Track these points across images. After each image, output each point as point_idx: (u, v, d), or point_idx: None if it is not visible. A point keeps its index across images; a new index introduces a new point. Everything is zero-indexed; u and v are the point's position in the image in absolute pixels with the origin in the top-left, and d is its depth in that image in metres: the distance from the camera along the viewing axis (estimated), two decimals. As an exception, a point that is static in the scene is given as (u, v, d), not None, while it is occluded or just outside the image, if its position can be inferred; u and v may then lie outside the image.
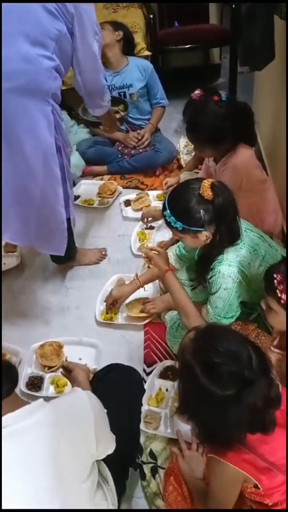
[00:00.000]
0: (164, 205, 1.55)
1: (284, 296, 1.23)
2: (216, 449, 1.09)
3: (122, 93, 2.93)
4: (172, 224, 1.51)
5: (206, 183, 1.47)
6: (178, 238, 1.62)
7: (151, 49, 3.29)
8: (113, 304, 2.02)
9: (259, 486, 1.08)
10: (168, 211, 1.51)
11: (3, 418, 0.97)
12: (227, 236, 1.54)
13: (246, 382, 0.98)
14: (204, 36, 3.62)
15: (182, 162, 2.90)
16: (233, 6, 3.30)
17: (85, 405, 1.06)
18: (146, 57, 3.15)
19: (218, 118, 1.82)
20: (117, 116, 2.64)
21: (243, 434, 1.04)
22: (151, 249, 1.75)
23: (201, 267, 1.68)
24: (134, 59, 2.98)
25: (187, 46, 3.50)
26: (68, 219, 1.93)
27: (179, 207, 1.50)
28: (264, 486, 1.08)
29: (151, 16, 3.39)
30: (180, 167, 2.92)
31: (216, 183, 1.49)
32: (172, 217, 1.50)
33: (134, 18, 3.41)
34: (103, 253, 2.44)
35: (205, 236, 1.52)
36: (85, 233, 2.60)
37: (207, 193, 1.46)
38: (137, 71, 2.92)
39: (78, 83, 1.84)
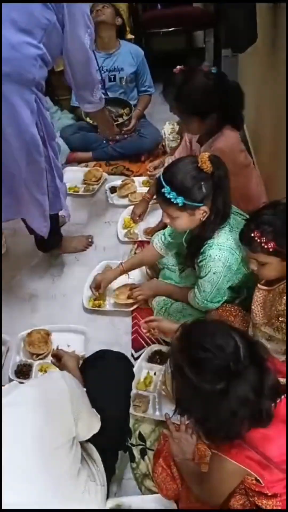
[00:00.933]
0: (160, 182, 1.50)
1: (270, 245, 1.29)
2: (217, 445, 1.08)
3: (112, 76, 2.90)
4: (172, 200, 1.46)
5: (204, 156, 1.45)
6: (170, 219, 1.56)
7: (134, 32, 3.25)
8: (96, 288, 2.02)
9: (261, 481, 1.07)
10: (168, 187, 1.47)
11: None
12: (221, 211, 1.52)
13: (234, 374, 0.96)
14: (188, 19, 3.58)
15: (167, 148, 2.89)
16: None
17: (61, 386, 1.07)
18: (129, 40, 3.10)
19: (207, 88, 1.79)
20: (120, 120, 2.60)
21: (242, 429, 1.01)
22: (150, 320, 1.68)
23: (190, 250, 1.66)
24: (126, 44, 2.95)
25: (170, 29, 3.46)
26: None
27: (179, 182, 1.46)
28: (265, 481, 1.07)
29: (134, -1, 3.33)
30: (165, 153, 2.90)
31: (213, 156, 1.47)
32: (173, 193, 1.46)
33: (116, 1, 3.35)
34: (89, 240, 2.44)
35: (202, 212, 1.50)
36: (71, 220, 2.59)
37: (206, 166, 1.44)
38: (129, 56, 2.89)
39: (67, 74, 1.81)
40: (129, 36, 3.17)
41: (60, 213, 2.16)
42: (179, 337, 1.07)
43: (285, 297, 1.36)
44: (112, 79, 2.91)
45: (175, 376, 1.06)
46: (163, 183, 1.49)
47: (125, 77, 2.91)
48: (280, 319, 1.38)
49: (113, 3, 2.80)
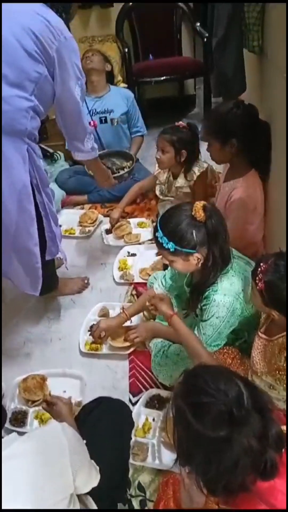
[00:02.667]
0: (155, 226, 1.54)
1: (260, 284, 1.32)
2: (224, 499, 1.03)
3: (103, 118, 3.01)
4: (164, 245, 1.50)
5: (198, 204, 1.48)
6: (168, 262, 1.59)
7: (127, 81, 3.39)
8: (99, 336, 2.01)
9: None
10: (160, 231, 1.51)
11: None
12: (220, 259, 1.53)
13: (237, 421, 0.93)
14: (178, 68, 3.75)
15: (157, 191, 2.92)
16: (205, 39, 3.44)
17: (59, 436, 1.05)
18: (122, 89, 3.24)
19: (232, 114, 1.92)
20: (121, 171, 2.62)
21: (245, 480, 0.96)
22: (154, 297, 1.73)
23: (193, 295, 1.66)
24: (116, 87, 3.11)
25: (162, 78, 3.62)
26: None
27: (171, 228, 1.50)
28: None
29: (126, 49, 3.50)
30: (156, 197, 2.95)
31: (207, 205, 1.50)
32: (164, 237, 1.49)
33: (110, 51, 3.51)
34: (86, 281, 2.43)
35: (196, 258, 1.51)
36: (67, 262, 2.59)
37: (200, 214, 1.47)
38: (118, 98, 3.02)
39: (59, 123, 1.88)
40: (122, 84, 3.31)
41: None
42: (182, 382, 1.05)
43: (285, 353, 1.35)
44: (104, 121, 3.01)
45: (176, 422, 1.03)
46: (158, 227, 1.53)
47: (116, 118, 3.01)
48: (280, 372, 1.37)
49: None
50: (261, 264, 1.32)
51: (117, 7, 3.75)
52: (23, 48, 1.59)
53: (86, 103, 2.75)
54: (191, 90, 4.20)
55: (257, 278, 1.33)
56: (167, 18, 3.86)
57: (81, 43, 3.67)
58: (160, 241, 1.51)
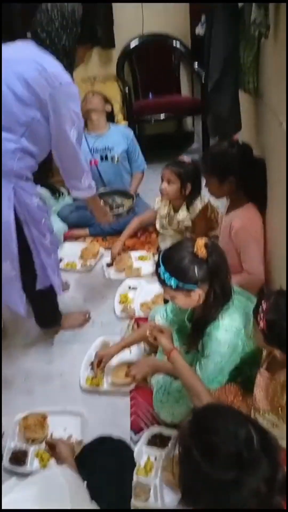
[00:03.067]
0: (158, 262, 1.56)
1: (262, 323, 1.33)
2: None
3: (104, 155, 3.08)
4: (166, 281, 1.52)
5: (200, 242, 1.51)
6: (170, 298, 1.61)
7: (128, 119, 3.49)
8: (98, 364, 2.01)
9: None
10: (163, 267, 1.53)
11: None
12: (221, 295, 1.55)
13: (247, 463, 0.92)
14: (177, 107, 3.88)
15: (158, 226, 2.96)
16: (203, 79, 3.56)
17: (60, 483, 1.03)
18: (123, 127, 3.33)
19: (228, 153, 2.03)
20: (120, 209, 2.62)
21: None
22: (154, 327, 1.73)
23: (194, 332, 1.66)
24: (116, 125, 3.20)
25: (161, 116, 3.73)
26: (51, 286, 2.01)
27: (174, 264, 1.52)
28: None
29: (126, 89, 3.62)
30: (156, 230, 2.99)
31: (209, 242, 1.53)
32: (167, 273, 1.51)
33: (111, 90, 3.64)
34: (87, 316, 2.44)
35: (198, 295, 1.52)
36: (68, 296, 2.61)
37: (201, 252, 1.49)
38: (119, 135, 3.11)
39: (56, 162, 1.93)
40: (123, 122, 3.41)
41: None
42: (191, 421, 1.04)
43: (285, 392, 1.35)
44: (105, 158, 3.09)
45: (183, 461, 1.01)
46: (160, 262, 1.54)
47: (116, 156, 3.09)
48: (283, 410, 1.36)
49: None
50: (263, 302, 1.34)
51: (118, 47, 3.90)
52: (13, 93, 1.67)
53: (86, 140, 2.85)
54: (190, 126, 4.32)
55: (258, 316, 1.34)
56: (166, 58, 4.01)
57: (83, 83, 3.80)
58: (162, 277, 1.53)
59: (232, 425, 0.96)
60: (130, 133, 3.17)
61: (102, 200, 2.42)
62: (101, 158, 3.09)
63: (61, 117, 1.76)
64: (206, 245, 1.51)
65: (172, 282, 1.51)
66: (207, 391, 1.54)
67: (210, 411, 1.07)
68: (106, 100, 3.12)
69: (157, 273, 1.57)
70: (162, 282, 1.55)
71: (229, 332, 1.54)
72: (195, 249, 1.51)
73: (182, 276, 1.50)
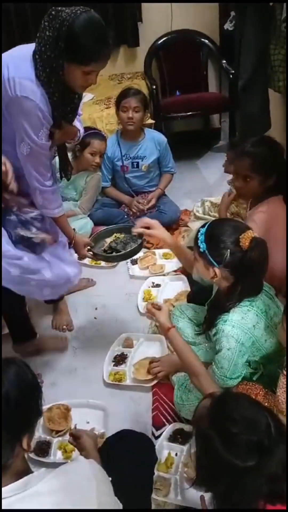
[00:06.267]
0: (205, 223, 1.60)
1: None
2: None
3: (135, 163, 3.10)
4: (199, 242, 1.55)
5: (249, 233, 1.51)
6: (193, 259, 1.64)
7: (154, 117, 3.49)
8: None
9: None
10: (204, 229, 1.56)
11: (3, 489, 0.96)
12: (248, 290, 1.55)
13: (266, 451, 0.95)
14: (204, 104, 3.85)
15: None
16: (231, 75, 3.53)
17: (87, 476, 1.05)
18: (150, 125, 3.33)
19: (276, 152, 1.99)
20: (121, 251, 2.05)
21: (256, 505, 0.99)
22: (152, 304, 1.76)
23: (211, 314, 1.68)
24: (150, 132, 3.15)
25: (188, 114, 3.72)
26: None
27: (215, 233, 1.54)
28: None
29: (154, 86, 3.62)
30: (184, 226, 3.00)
31: (258, 239, 1.52)
32: (203, 236, 1.55)
33: (138, 88, 3.64)
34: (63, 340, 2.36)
35: (214, 273, 1.54)
36: (92, 292, 2.65)
37: (244, 242, 1.50)
38: (152, 144, 3.09)
39: None
40: (150, 120, 3.40)
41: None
42: (210, 408, 1.06)
43: None
44: (135, 166, 3.11)
45: (200, 447, 1.04)
46: (206, 225, 1.58)
47: (147, 165, 3.10)
48: None
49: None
50: None
51: (143, 46, 3.92)
52: None
53: (120, 146, 2.88)
54: (217, 123, 4.29)
55: None
56: (194, 56, 3.98)
57: (110, 80, 3.83)
58: (199, 236, 1.57)
59: (251, 413, 1.00)
60: (164, 140, 3.13)
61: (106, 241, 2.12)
62: (132, 165, 3.11)
63: (13, 128, 1.67)
64: (251, 240, 1.50)
65: (202, 246, 1.54)
66: (205, 370, 1.56)
67: (228, 399, 1.09)
68: (146, 105, 3.01)
69: (198, 230, 1.60)
70: (196, 241, 1.58)
71: (236, 327, 1.54)
72: (240, 236, 1.51)
73: (213, 247, 1.53)
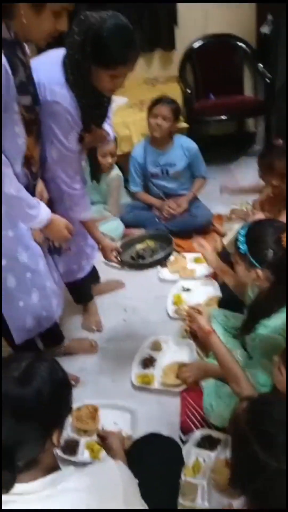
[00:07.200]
0: (245, 225, 1.59)
1: None
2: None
3: (165, 170, 3.10)
4: (239, 244, 1.54)
5: None
6: (234, 261, 1.62)
7: (188, 121, 3.48)
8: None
9: None
10: (243, 231, 1.55)
11: (32, 484, 0.98)
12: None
13: None
14: (239, 108, 3.82)
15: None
16: (267, 80, 3.49)
17: (115, 477, 1.05)
18: (184, 129, 3.33)
19: None
20: (148, 259, 2.01)
21: None
22: (193, 308, 1.74)
23: (250, 317, 1.66)
24: (180, 138, 3.13)
25: (222, 117, 3.69)
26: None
27: (255, 233, 1.54)
28: None
29: (189, 91, 3.61)
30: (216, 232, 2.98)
31: None
32: (243, 238, 1.54)
33: (172, 92, 3.64)
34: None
35: (256, 274, 1.52)
36: (121, 294, 2.67)
37: (284, 241, 1.48)
38: (181, 151, 3.08)
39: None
40: (184, 124, 3.39)
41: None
42: (248, 409, 1.07)
43: None
44: (165, 173, 3.11)
45: (236, 448, 1.05)
46: (245, 227, 1.57)
47: (176, 172, 3.10)
48: None
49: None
50: None
51: (178, 49, 3.91)
52: None
53: (146, 154, 2.96)
54: (252, 127, 4.24)
55: None
56: (229, 59, 3.95)
57: (144, 84, 3.85)
58: (239, 238, 1.55)
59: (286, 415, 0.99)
60: (193, 147, 3.10)
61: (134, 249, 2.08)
62: (162, 172, 3.11)
63: (43, 129, 1.67)
64: None
65: (243, 248, 1.52)
66: (246, 377, 1.52)
67: (267, 401, 1.11)
68: (177, 114, 2.99)
69: (238, 232, 1.59)
70: (236, 243, 1.57)
71: (276, 333, 1.51)
72: (282, 235, 1.49)
73: (254, 248, 1.51)
